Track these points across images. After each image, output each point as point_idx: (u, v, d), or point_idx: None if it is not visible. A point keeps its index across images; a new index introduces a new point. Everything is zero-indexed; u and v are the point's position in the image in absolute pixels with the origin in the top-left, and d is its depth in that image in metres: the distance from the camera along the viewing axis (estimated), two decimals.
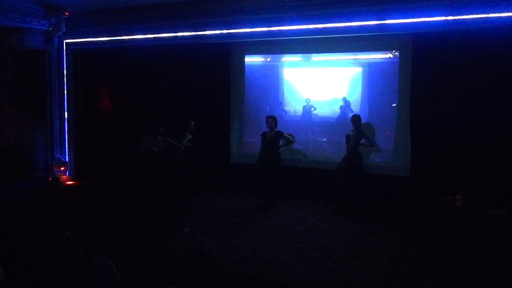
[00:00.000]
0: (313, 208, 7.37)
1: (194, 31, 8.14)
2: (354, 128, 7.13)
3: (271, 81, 8.58)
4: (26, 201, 7.75)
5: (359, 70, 7.94)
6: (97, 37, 9.08)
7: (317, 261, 5.11)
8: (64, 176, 9.42)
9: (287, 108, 8.52)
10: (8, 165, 9.44)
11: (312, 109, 8.30)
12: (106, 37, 8.99)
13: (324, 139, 8.23)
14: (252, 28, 7.71)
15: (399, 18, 6.76)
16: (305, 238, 5.89)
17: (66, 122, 9.57)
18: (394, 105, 7.63)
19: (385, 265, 4.99)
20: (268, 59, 8.65)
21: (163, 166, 6.07)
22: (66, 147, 9.62)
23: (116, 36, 8.89)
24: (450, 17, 6.45)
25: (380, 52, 7.73)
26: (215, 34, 8.02)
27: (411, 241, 5.77)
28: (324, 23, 7.21)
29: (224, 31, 7.95)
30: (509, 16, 6.10)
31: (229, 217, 6.86)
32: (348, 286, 4.48)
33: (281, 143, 7.43)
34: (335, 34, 7.27)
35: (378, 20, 6.87)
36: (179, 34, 8.30)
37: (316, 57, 8.29)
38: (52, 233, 5.80)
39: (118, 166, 9.66)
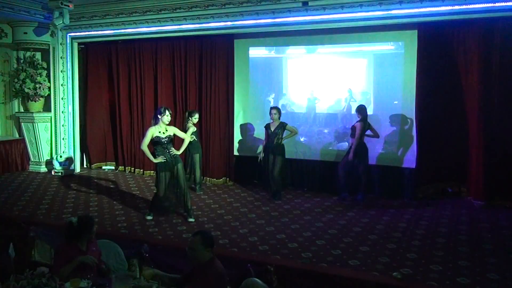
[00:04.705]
0: (318, 199, 7.37)
1: (198, 23, 8.14)
2: (359, 119, 7.12)
3: (275, 73, 8.56)
4: (30, 193, 7.74)
5: (364, 61, 7.92)
6: (101, 30, 9.06)
7: (324, 248, 5.11)
8: (68, 170, 9.39)
9: (291, 100, 8.51)
10: (12, 158, 9.47)
11: (317, 101, 8.29)
12: (110, 30, 8.97)
13: (329, 131, 8.21)
14: (256, 19, 7.71)
15: (404, 8, 6.74)
16: (312, 227, 5.89)
17: (70, 116, 9.55)
18: (396, 102, 7.62)
19: (393, 251, 4.99)
20: (272, 51, 8.64)
21: (169, 155, 6.07)
22: (70, 140, 9.59)
23: (120, 29, 8.87)
24: (456, 7, 6.43)
25: (386, 43, 7.71)
26: (219, 26, 8.02)
27: (418, 229, 5.76)
28: (329, 14, 7.22)
29: (228, 23, 7.95)
30: None
31: (234, 208, 6.86)
32: (357, 270, 4.47)
33: (285, 134, 7.44)
34: (340, 25, 7.28)
35: (383, 10, 6.87)
36: (184, 26, 8.29)
37: (321, 49, 8.27)
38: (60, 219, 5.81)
39: (123, 158, 9.69)
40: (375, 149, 7.58)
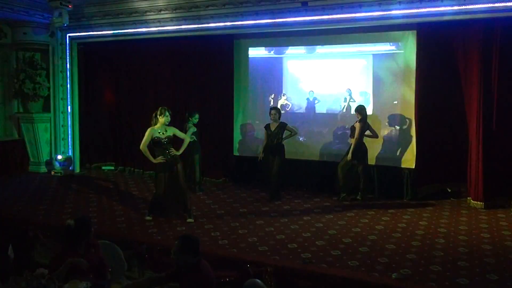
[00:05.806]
0: (318, 199, 7.37)
1: (199, 23, 8.14)
2: (358, 120, 7.12)
3: (275, 73, 8.56)
4: (29, 193, 7.74)
5: (363, 62, 7.92)
6: (101, 30, 9.06)
7: (324, 248, 5.11)
8: (68, 170, 9.40)
9: (291, 101, 8.51)
10: (11, 158, 9.46)
11: (316, 101, 8.29)
12: (110, 30, 8.97)
13: (328, 131, 8.20)
14: (256, 20, 7.71)
15: (404, 9, 6.74)
16: (311, 228, 5.89)
17: (69, 116, 9.55)
18: (396, 102, 7.62)
19: (392, 252, 4.99)
20: (272, 52, 8.65)
21: (169, 155, 6.06)
22: (70, 140, 9.60)
23: (120, 29, 8.87)
24: (456, 7, 6.43)
25: (385, 43, 7.71)
26: (219, 26, 8.02)
27: (417, 230, 5.76)
28: (328, 14, 7.22)
29: (228, 23, 7.95)
30: None
31: (234, 208, 6.87)
32: (356, 271, 4.47)
33: (284, 134, 7.44)
34: (340, 25, 7.29)
35: (382, 10, 6.87)
36: (183, 26, 8.29)
37: (320, 49, 8.28)
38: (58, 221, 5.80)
39: (123, 158, 9.68)
40: (375, 149, 7.58)
